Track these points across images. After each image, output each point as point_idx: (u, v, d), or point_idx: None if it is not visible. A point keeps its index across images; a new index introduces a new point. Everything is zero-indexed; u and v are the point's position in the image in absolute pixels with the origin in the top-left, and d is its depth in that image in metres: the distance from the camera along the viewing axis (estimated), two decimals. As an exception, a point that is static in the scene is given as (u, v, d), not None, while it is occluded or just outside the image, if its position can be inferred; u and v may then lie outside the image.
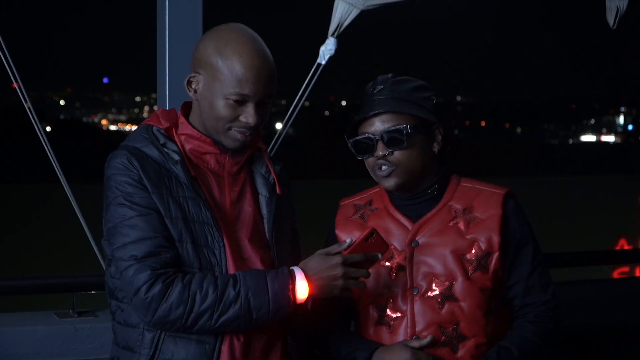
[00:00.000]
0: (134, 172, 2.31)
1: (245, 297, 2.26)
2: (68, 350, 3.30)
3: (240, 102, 2.34)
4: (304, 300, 2.31)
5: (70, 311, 3.42)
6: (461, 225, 2.52)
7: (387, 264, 2.53)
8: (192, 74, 2.39)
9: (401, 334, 2.49)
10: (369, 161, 2.56)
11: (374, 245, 2.35)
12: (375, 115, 2.52)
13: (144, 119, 2.56)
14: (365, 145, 2.54)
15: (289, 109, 3.67)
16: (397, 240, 2.54)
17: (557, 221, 22.23)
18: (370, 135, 2.53)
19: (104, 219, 2.35)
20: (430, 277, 2.50)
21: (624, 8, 3.64)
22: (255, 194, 2.46)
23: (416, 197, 2.57)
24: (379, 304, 2.53)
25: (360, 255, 2.34)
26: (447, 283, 2.49)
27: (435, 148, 2.58)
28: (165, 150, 2.36)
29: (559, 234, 17.66)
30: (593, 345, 4.01)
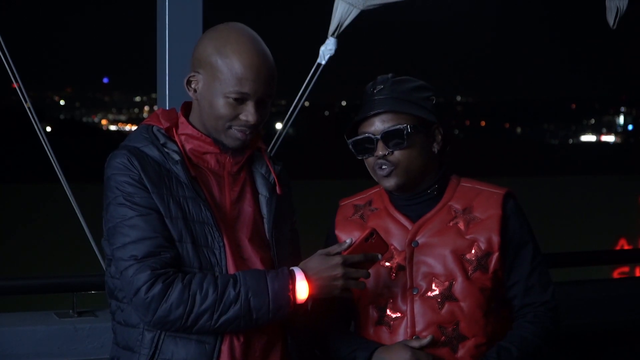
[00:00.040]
0: (134, 172, 2.31)
1: (246, 297, 2.26)
2: (68, 350, 3.30)
3: (240, 100, 2.34)
4: (304, 301, 2.31)
5: (70, 311, 3.42)
6: (461, 226, 2.52)
7: (387, 264, 2.53)
8: (192, 74, 2.40)
9: (401, 334, 2.49)
10: (369, 161, 2.56)
11: (374, 246, 2.35)
12: (375, 115, 2.52)
13: (144, 119, 2.56)
14: (365, 145, 2.54)
15: (289, 109, 3.67)
16: (396, 241, 2.54)
17: (557, 221, 22.24)
18: (370, 135, 2.53)
19: (104, 219, 2.35)
20: (430, 277, 2.50)
21: (624, 8, 3.64)
22: (256, 194, 2.46)
23: (416, 197, 2.57)
24: (378, 304, 2.53)
25: (361, 255, 2.34)
26: (447, 283, 2.49)
27: (435, 148, 2.58)
28: (166, 150, 2.36)
29: (559, 234, 17.67)
30: (593, 345, 4.01)
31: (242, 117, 2.35)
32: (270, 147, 3.53)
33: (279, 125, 3.74)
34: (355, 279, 2.33)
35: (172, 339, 2.30)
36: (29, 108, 3.54)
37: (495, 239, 2.50)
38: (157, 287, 2.24)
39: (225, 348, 2.32)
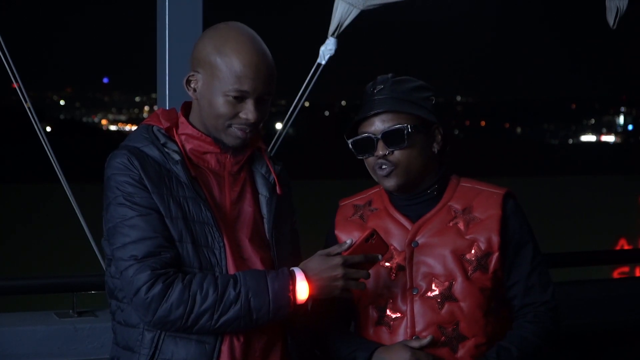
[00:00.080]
0: (134, 172, 2.31)
1: (246, 297, 2.26)
2: (68, 350, 3.30)
3: (240, 98, 2.34)
4: (304, 301, 2.31)
5: (70, 311, 3.42)
6: (461, 226, 2.52)
7: (387, 264, 2.53)
8: (191, 73, 2.40)
9: (401, 334, 2.49)
10: (369, 161, 2.56)
11: (374, 247, 2.35)
12: (375, 114, 2.52)
13: (144, 119, 2.56)
14: (366, 144, 2.54)
15: (289, 109, 3.67)
16: (396, 241, 2.54)
17: (557, 221, 22.24)
18: (370, 134, 2.53)
19: (104, 218, 2.35)
20: (430, 277, 2.50)
21: (624, 8, 3.64)
22: (256, 194, 2.46)
23: (416, 197, 2.57)
24: (378, 304, 2.53)
25: (361, 256, 2.34)
26: (446, 283, 2.49)
27: (435, 148, 2.58)
28: (166, 150, 2.36)
29: (559, 234, 17.67)
30: (593, 345, 4.01)
31: (242, 115, 2.35)
32: (270, 147, 3.53)
33: (279, 125, 3.74)
34: (355, 280, 2.33)
35: (172, 339, 2.30)
36: (29, 108, 3.54)
37: (495, 239, 2.50)
38: (157, 287, 2.24)
39: (225, 348, 2.32)
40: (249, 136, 2.39)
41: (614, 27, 3.69)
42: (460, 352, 2.47)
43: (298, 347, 2.44)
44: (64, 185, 3.56)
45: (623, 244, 18.03)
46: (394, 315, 2.51)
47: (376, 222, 2.57)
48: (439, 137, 2.58)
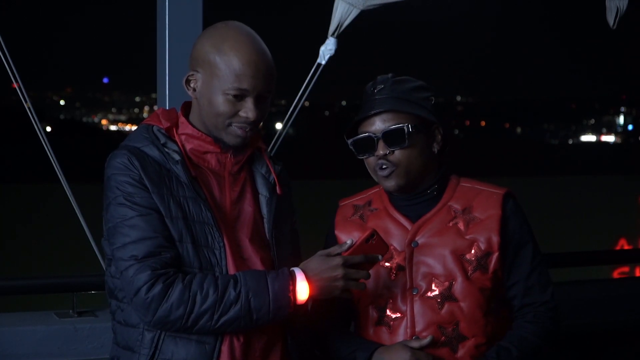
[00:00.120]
0: (134, 172, 2.31)
1: (246, 297, 2.26)
2: (68, 350, 3.30)
3: (239, 97, 2.34)
4: (304, 301, 2.31)
5: (70, 311, 3.42)
6: (461, 226, 2.52)
7: (387, 264, 2.53)
8: (191, 73, 2.39)
9: (401, 334, 2.49)
10: (370, 161, 2.56)
11: (374, 247, 2.35)
12: (376, 114, 2.52)
13: (144, 119, 2.56)
14: (366, 144, 2.54)
15: (289, 109, 3.67)
16: (396, 241, 2.54)
17: (557, 221, 22.23)
18: (370, 134, 2.53)
19: (104, 218, 2.35)
20: (430, 277, 2.50)
21: (624, 8, 3.64)
22: (256, 194, 2.46)
23: (416, 197, 2.57)
24: (378, 305, 2.53)
25: (361, 256, 2.33)
26: (446, 283, 2.49)
27: (435, 148, 2.58)
28: (166, 150, 2.36)
29: (559, 234, 17.67)
30: (593, 345, 4.01)
31: (242, 113, 2.35)
32: (270, 147, 3.53)
33: (279, 125, 3.74)
34: (355, 280, 2.33)
35: (172, 339, 2.30)
36: (29, 108, 3.54)
37: (495, 239, 2.50)
38: (158, 287, 2.24)
39: (225, 348, 2.32)
40: (249, 135, 2.39)
41: (614, 27, 3.69)
42: (460, 352, 2.47)
43: (298, 347, 2.44)
44: (64, 185, 3.56)
45: (623, 244, 18.03)
46: (394, 316, 2.51)
47: (376, 222, 2.57)
48: (439, 137, 2.58)
